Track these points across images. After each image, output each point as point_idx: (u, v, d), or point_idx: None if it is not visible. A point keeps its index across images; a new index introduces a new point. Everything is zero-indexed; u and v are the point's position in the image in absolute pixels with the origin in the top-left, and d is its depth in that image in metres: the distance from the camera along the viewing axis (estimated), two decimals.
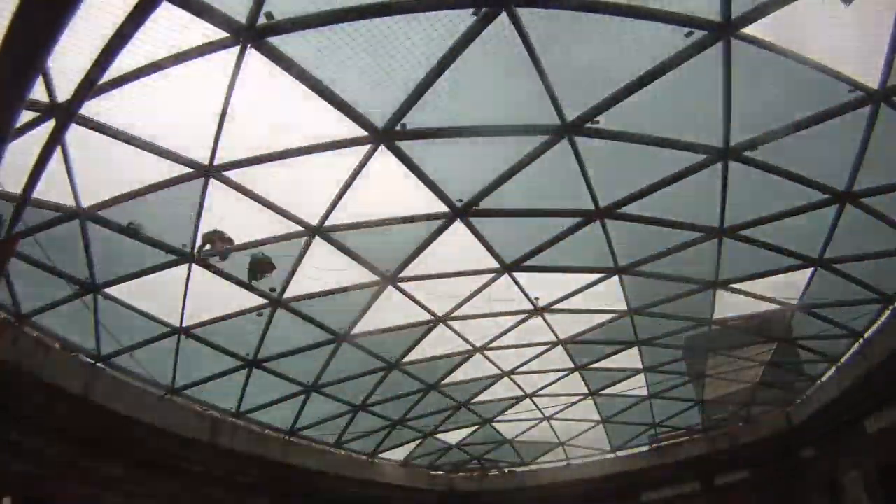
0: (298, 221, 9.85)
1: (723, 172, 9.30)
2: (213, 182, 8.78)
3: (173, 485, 13.44)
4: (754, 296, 12.79)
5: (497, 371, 16.02)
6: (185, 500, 13.77)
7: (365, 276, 11.40)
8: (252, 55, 6.93)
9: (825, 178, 9.43)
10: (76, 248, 9.73)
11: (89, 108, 7.28)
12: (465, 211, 9.92)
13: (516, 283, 12.25)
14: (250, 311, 12.00)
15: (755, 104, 8.28)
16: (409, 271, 11.42)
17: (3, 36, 3.89)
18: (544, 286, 12.63)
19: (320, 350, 13.64)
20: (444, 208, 9.87)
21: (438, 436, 19.78)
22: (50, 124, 7.14)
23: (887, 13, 7.07)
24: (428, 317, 13.16)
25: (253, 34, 6.67)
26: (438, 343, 14.22)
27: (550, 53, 7.36)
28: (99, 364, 12.46)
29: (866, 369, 13.65)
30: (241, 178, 8.93)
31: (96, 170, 8.49)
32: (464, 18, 6.85)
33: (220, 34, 6.64)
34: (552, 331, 14.27)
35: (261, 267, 10.49)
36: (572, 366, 16.04)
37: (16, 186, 7.80)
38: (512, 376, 16.37)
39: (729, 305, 13.40)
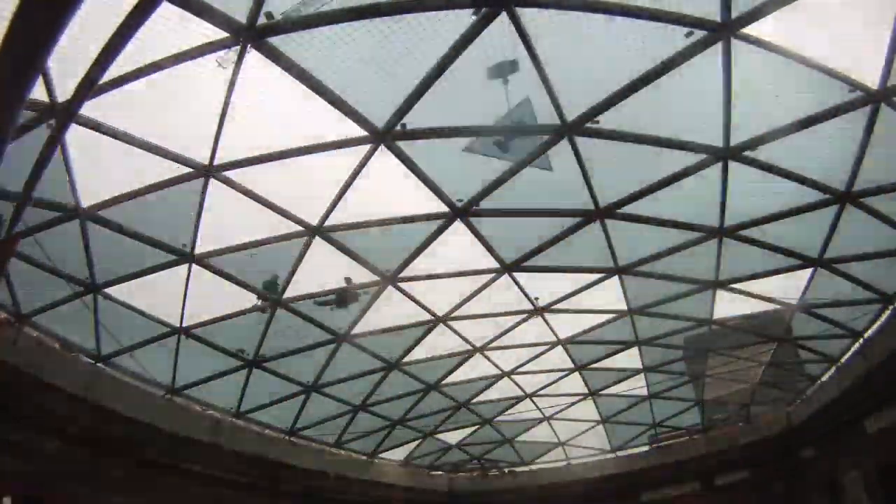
0: (298, 221, 9.85)
1: (723, 172, 9.31)
2: (213, 182, 8.79)
3: (173, 485, 13.43)
4: (754, 296, 12.79)
5: (497, 371, 16.03)
6: (185, 500, 13.76)
7: (365, 276, 11.40)
8: (252, 55, 6.93)
9: (825, 178, 9.43)
10: (76, 248, 9.73)
11: (89, 108, 7.27)
12: (465, 211, 9.92)
13: (516, 283, 12.25)
14: (250, 311, 12.01)
15: (755, 104, 8.28)
16: (409, 271, 11.42)
17: (3, 36, 3.89)
18: (544, 286, 12.63)
19: (320, 350, 13.64)
20: (444, 208, 9.87)
21: (438, 436, 19.79)
22: (50, 124, 7.14)
23: (887, 13, 7.07)
24: (428, 317, 13.16)
25: (253, 34, 6.68)
26: (438, 343, 14.22)
27: (550, 53, 7.36)
28: (99, 364, 12.47)
29: (866, 369, 13.64)
30: (241, 178, 8.93)
31: (96, 170, 8.49)
32: (464, 18, 6.85)
33: (220, 34, 6.65)
34: (552, 331, 14.27)
35: (349, 297, 11.52)
36: (572, 366, 16.04)
37: (16, 186, 7.80)
38: (512, 376, 16.37)
39: (729, 305, 13.40)
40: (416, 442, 19.87)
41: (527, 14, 6.90)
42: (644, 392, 17.66)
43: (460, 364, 15.40)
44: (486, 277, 11.96)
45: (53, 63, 6.42)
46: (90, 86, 6.53)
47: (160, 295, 11.31)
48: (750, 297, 12.79)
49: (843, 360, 15.18)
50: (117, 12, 5.79)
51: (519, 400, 17.83)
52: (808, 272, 11.95)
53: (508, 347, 14.92)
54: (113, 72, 6.54)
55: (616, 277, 12.22)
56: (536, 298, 13.00)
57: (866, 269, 11.59)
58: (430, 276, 11.72)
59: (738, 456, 18.73)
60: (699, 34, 7.15)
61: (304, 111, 7.85)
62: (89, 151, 8.12)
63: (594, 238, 10.77)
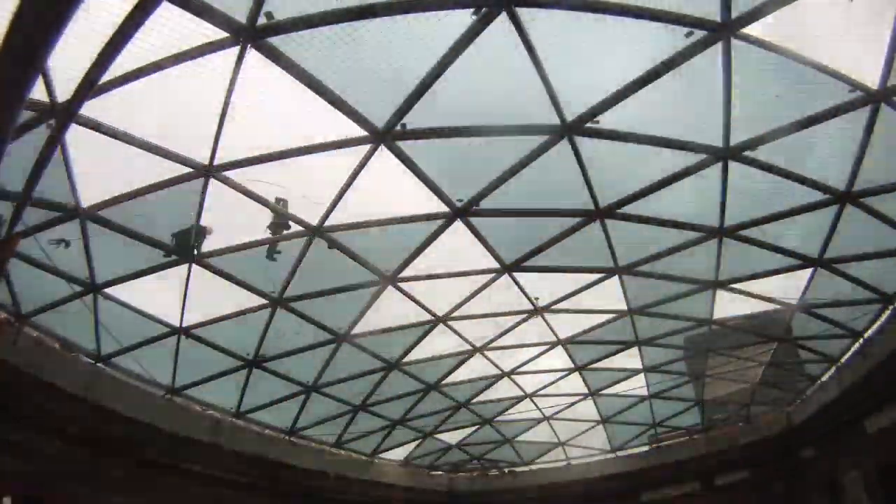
0: (298, 221, 9.85)
1: (723, 172, 9.31)
2: (213, 182, 8.78)
3: (173, 485, 13.44)
4: (754, 296, 12.79)
5: (497, 371, 16.03)
6: (185, 500, 13.77)
7: (365, 276, 11.40)
8: (252, 55, 6.93)
9: (825, 178, 9.43)
10: (76, 248, 9.73)
11: (89, 108, 7.27)
12: (465, 211, 9.92)
13: (516, 283, 12.25)
14: (250, 310, 12.01)
15: (755, 104, 8.29)
16: (409, 271, 11.42)
17: (3, 36, 3.89)
18: (544, 286, 12.63)
19: (320, 350, 13.64)
20: (444, 208, 9.87)
21: (438, 436, 19.78)
22: (50, 124, 7.14)
23: (887, 13, 7.07)
24: (428, 317, 13.16)
25: (253, 34, 6.68)
26: (438, 343, 14.22)
27: (550, 53, 7.36)
28: (99, 364, 12.47)
29: (866, 369, 13.64)
30: (241, 178, 8.93)
31: (96, 170, 8.49)
32: (464, 18, 6.85)
33: (220, 34, 6.64)
34: (552, 331, 14.27)
35: (196, 237, 9.83)
36: (572, 366, 16.04)
37: (16, 186, 7.80)
38: (512, 376, 16.37)
39: (729, 305, 13.40)
40: (416, 442, 19.86)
41: (526, 14, 6.90)
42: (644, 392, 17.65)
43: (460, 364, 15.39)
44: (486, 277, 11.96)
45: (53, 63, 6.41)
46: (90, 86, 6.53)
47: (160, 295, 11.31)
48: (750, 297, 12.79)
49: (843, 360, 15.17)
50: (117, 12, 5.79)
51: (519, 400, 17.82)
52: (808, 272, 11.94)
53: (508, 347, 14.92)
54: (113, 72, 6.54)
55: (616, 277, 12.21)
56: (536, 298, 13.00)
57: (866, 269, 11.59)
58: (430, 276, 11.72)
59: (738, 456, 18.72)
60: (699, 34, 7.15)
61: (304, 111, 7.85)
62: (89, 151, 8.11)
63: (594, 238, 10.77)
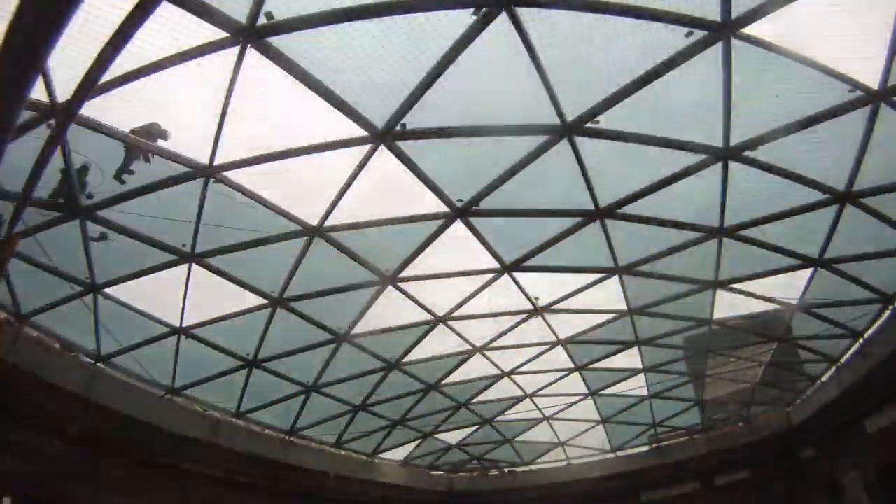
0: (298, 221, 9.85)
1: (723, 172, 9.30)
2: (213, 182, 8.78)
3: (173, 485, 13.44)
4: (754, 296, 12.79)
5: (497, 371, 16.03)
6: (185, 500, 13.77)
7: (365, 275, 11.40)
8: (252, 55, 6.93)
9: (825, 178, 9.43)
10: (76, 248, 9.73)
11: (89, 108, 7.28)
12: (465, 211, 9.92)
13: (516, 283, 12.25)
14: (250, 310, 12.01)
15: (755, 104, 8.28)
16: (409, 271, 11.42)
17: (3, 36, 3.89)
18: (544, 286, 12.63)
19: (320, 350, 13.64)
20: (444, 208, 9.87)
21: (438, 436, 19.79)
22: (50, 124, 7.14)
23: (887, 13, 7.07)
24: (428, 317, 13.16)
25: (253, 34, 6.67)
26: (438, 343, 14.22)
27: (550, 53, 7.36)
28: (99, 364, 12.47)
29: (866, 369, 13.64)
30: (241, 178, 8.92)
31: (96, 170, 8.48)
32: (464, 18, 6.85)
33: (220, 34, 6.64)
34: (552, 331, 14.27)
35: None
36: (572, 366, 16.04)
37: (16, 186, 7.80)
38: (512, 376, 16.37)
39: (729, 305, 13.40)
40: (416, 442, 19.87)
41: (526, 14, 6.90)
42: (644, 392, 17.66)
43: (460, 364, 15.40)
44: (486, 277, 11.96)
45: (53, 63, 6.42)
46: (90, 86, 6.53)
47: (160, 295, 11.31)
48: (750, 297, 12.79)
49: (843, 360, 15.18)
50: (117, 12, 5.79)
51: (519, 400, 17.84)
52: (808, 272, 11.95)
53: (508, 347, 14.92)
54: (113, 72, 6.54)
55: (616, 277, 12.22)
56: (536, 298, 13.00)
57: (866, 269, 11.58)
58: (430, 276, 11.72)
59: (738, 456, 18.74)
60: (699, 34, 7.15)
61: (304, 111, 7.85)
62: (89, 151, 8.11)
63: (594, 238, 10.76)
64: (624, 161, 9.35)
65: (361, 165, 8.75)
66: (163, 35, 6.43)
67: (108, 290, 10.93)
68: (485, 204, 9.84)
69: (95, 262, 10.20)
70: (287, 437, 16.92)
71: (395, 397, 16.31)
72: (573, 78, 7.87)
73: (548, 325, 13.99)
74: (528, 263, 11.56)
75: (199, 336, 12.43)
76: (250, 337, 12.85)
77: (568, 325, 14.26)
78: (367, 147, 8.46)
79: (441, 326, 13.50)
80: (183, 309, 11.57)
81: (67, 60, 6.25)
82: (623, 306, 13.31)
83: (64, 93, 6.80)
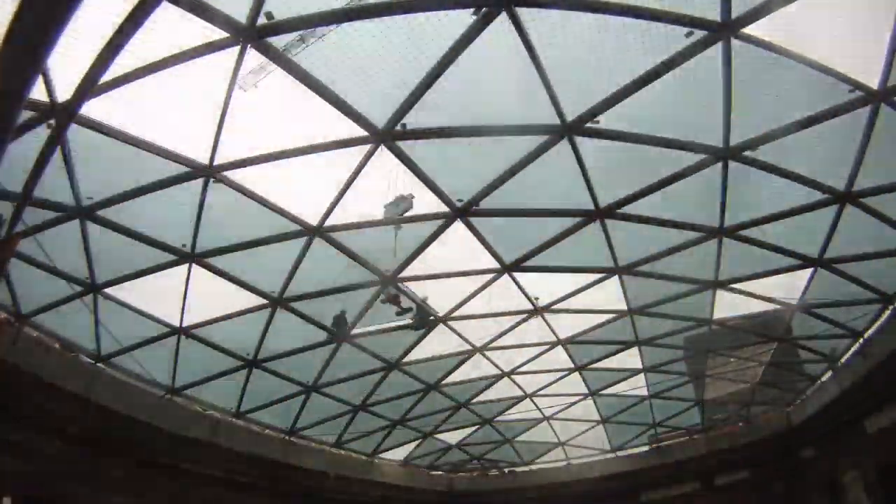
0: (298, 221, 9.85)
1: (723, 172, 9.30)
2: (213, 182, 8.78)
3: (173, 485, 13.44)
4: (754, 296, 12.79)
5: (497, 371, 16.03)
6: (185, 500, 13.77)
7: (365, 276, 11.40)
8: (252, 55, 6.93)
9: (825, 178, 9.43)
10: (76, 248, 9.73)
11: (89, 108, 7.28)
12: (465, 211, 9.92)
13: (516, 283, 12.25)
14: (250, 310, 12.00)
15: (755, 104, 8.28)
16: (409, 271, 11.42)
17: (3, 36, 3.89)
18: (544, 286, 12.63)
19: (320, 350, 13.64)
20: (444, 208, 9.87)
21: (438, 436, 19.79)
22: (50, 124, 7.14)
23: (887, 13, 7.07)
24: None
25: (253, 34, 6.67)
26: (438, 343, 14.22)
27: (550, 53, 7.36)
28: (99, 364, 12.47)
29: (866, 369, 13.64)
30: (241, 178, 8.93)
31: (96, 170, 8.49)
32: (464, 18, 6.85)
33: (220, 34, 6.64)
34: (552, 331, 14.27)
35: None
36: (572, 366, 16.04)
37: (16, 186, 7.80)
38: (512, 376, 16.37)
39: (729, 305, 13.40)
40: (416, 442, 19.87)
41: (526, 14, 6.90)
42: (644, 392, 17.66)
43: (460, 364, 15.40)
44: (486, 277, 11.96)
45: (53, 63, 6.42)
46: (90, 86, 6.53)
47: (160, 295, 11.31)
48: (750, 297, 12.79)
49: (843, 360, 15.17)
50: (117, 12, 5.79)
51: (519, 400, 17.83)
52: (808, 272, 11.95)
53: (508, 347, 14.92)
54: (113, 72, 6.54)
55: (616, 277, 12.22)
56: (536, 298, 13.00)
57: (866, 269, 11.58)
58: (430, 276, 11.72)
59: (738, 456, 18.74)
60: (699, 34, 7.15)
61: (304, 111, 7.85)
62: (89, 151, 8.12)
63: (594, 238, 10.77)
64: (624, 161, 9.36)
65: (361, 165, 8.75)
66: (163, 35, 6.43)
67: (108, 290, 10.93)
68: (485, 204, 9.84)
69: (95, 262, 10.20)
70: (287, 437, 16.92)
71: (395, 397, 16.31)
72: (573, 78, 7.87)
73: (548, 325, 13.99)
74: (528, 263, 11.56)
75: (199, 336, 12.43)
76: (250, 337, 12.85)
77: (568, 325, 14.26)
78: (367, 147, 8.46)
79: (441, 326, 13.50)
80: (183, 309, 11.57)
81: (67, 60, 6.25)
82: (623, 306, 13.31)
83: (64, 93, 6.80)
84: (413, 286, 12.04)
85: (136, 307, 11.57)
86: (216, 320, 12.14)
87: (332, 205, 9.53)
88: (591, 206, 10.04)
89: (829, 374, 16.02)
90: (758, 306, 13.47)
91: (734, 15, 6.89)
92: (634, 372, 16.56)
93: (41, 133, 7.23)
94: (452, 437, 20.30)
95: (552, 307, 13.31)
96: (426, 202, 9.71)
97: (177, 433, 13.45)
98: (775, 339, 15.36)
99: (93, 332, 11.75)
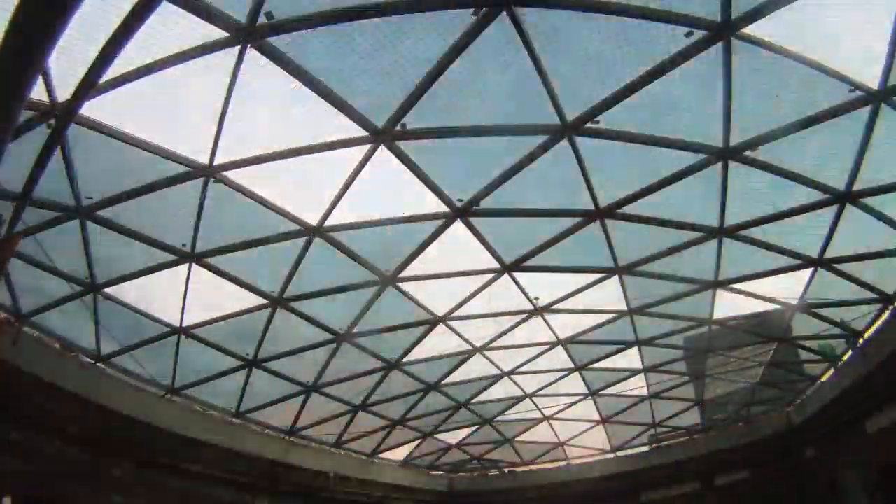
0: (298, 221, 9.85)
1: (723, 172, 9.30)
2: (213, 182, 8.78)
3: (173, 485, 13.44)
4: (754, 296, 12.79)
5: (497, 371, 16.02)
6: (185, 500, 13.77)
7: (365, 275, 11.40)
8: (252, 55, 6.93)
9: (825, 178, 9.43)
10: (76, 248, 9.73)
11: (89, 108, 7.28)
12: (465, 211, 9.92)
13: (516, 283, 12.24)
14: (250, 310, 12.00)
15: (755, 104, 8.28)
16: (409, 271, 11.42)
17: (3, 36, 3.89)
18: (544, 286, 12.63)
19: (320, 350, 13.64)
20: (444, 208, 9.87)
21: (438, 436, 19.79)
22: (50, 124, 7.14)
23: (887, 13, 7.07)
24: (428, 317, 13.16)
25: (253, 34, 6.67)
26: (438, 343, 14.22)
27: (550, 53, 7.36)
28: (99, 364, 12.47)
29: (866, 369, 13.63)
30: (241, 178, 8.93)
31: (96, 170, 8.49)
32: (464, 18, 6.85)
33: (220, 34, 6.64)
34: (552, 331, 14.27)
35: None
36: (572, 366, 16.03)
37: (16, 186, 7.80)
38: (512, 376, 16.37)
39: (729, 305, 13.40)
40: (416, 442, 19.87)
41: (527, 14, 6.90)
42: (644, 392, 17.66)
43: (460, 364, 15.39)
44: (486, 277, 11.95)
45: (53, 63, 6.42)
46: (90, 86, 6.53)
47: (160, 295, 11.31)
48: (750, 297, 12.79)
49: (843, 360, 15.17)
50: (117, 12, 5.79)
51: (519, 400, 17.83)
52: (808, 272, 11.94)
53: (508, 347, 14.92)
54: (113, 72, 6.54)
55: (616, 277, 12.21)
56: (536, 298, 12.99)
57: (866, 269, 11.58)
58: (430, 276, 11.72)
59: (738, 456, 18.73)
60: (699, 34, 7.14)
61: (304, 111, 7.85)
62: (89, 151, 8.12)
63: (594, 238, 10.76)
64: (624, 161, 9.36)
65: (361, 165, 8.75)
66: (163, 35, 6.42)
67: (108, 290, 10.93)
68: (485, 204, 9.83)
69: (95, 262, 10.20)
70: (287, 437, 16.92)
71: (395, 397, 16.31)
72: (573, 78, 7.87)
73: (548, 325, 13.99)
74: (528, 263, 11.56)
75: (199, 336, 12.43)
76: (250, 337, 12.85)
77: (568, 325, 14.26)
78: (367, 147, 8.46)
79: (441, 326, 13.50)
80: (183, 309, 11.57)
81: (67, 60, 6.25)
82: (623, 306, 13.30)
83: (64, 93, 6.80)
84: (413, 286, 12.06)
85: (136, 307, 11.57)
86: (216, 320, 12.14)
87: (332, 205, 9.52)
88: (591, 206, 10.03)
89: (829, 374, 16.02)
90: (758, 306, 13.48)
91: (734, 15, 6.88)
92: (634, 372, 16.56)
93: (41, 133, 7.23)
94: (452, 437, 20.30)
95: (552, 307, 13.31)
96: (426, 202, 9.72)
97: (177, 433, 13.45)
98: (775, 339, 15.36)
99: (93, 332, 11.75)
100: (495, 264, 11.54)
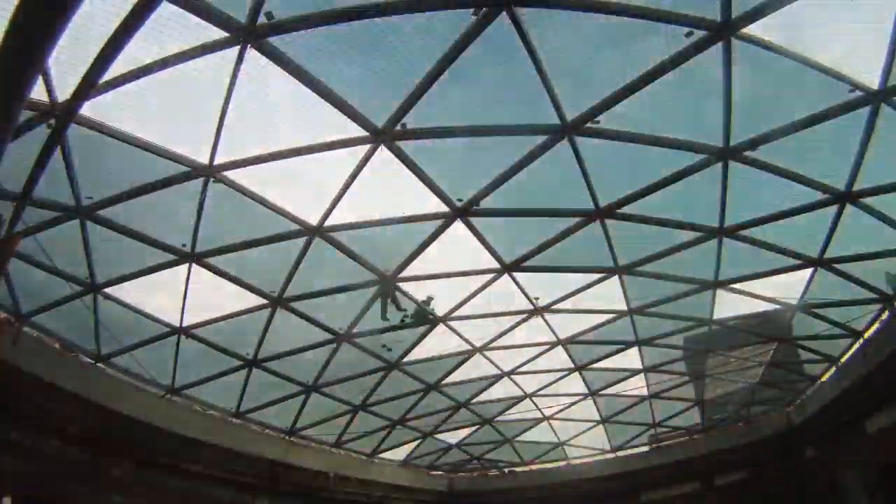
0: (298, 221, 9.85)
1: (723, 172, 9.30)
2: (213, 182, 8.78)
3: (173, 485, 13.45)
4: (754, 296, 12.79)
5: (497, 371, 16.02)
6: (185, 500, 13.77)
7: (365, 275, 11.40)
8: (252, 55, 6.93)
9: (825, 178, 9.43)
10: (76, 248, 9.73)
11: (89, 108, 7.28)
12: (465, 211, 9.92)
13: (516, 283, 12.24)
14: (250, 310, 12.00)
15: (755, 104, 8.29)
16: (409, 271, 11.42)
17: (3, 36, 3.89)
18: (544, 286, 12.63)
19: (320, 350, 13.64)
20: (444, 208, 9.87)
21: (438, 436, 19.78)
22: (50, 124, 7.14)
23: (887, 13, 7.07)
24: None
25: (253, 34, 6.67)
26: (438, 343, 14.22)
27: (551, 53, 7.36)
28: (99, 364, 12.47)
29: (866, 369, 13.63)
30: (241, 178, 8.93)
31: (96, 170, 8.49)
32: (464, 18, 6.85)
33: (220, 34, 6.64)
34: (552, 331, 14.27)
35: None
36: (572, 366, 16.03)
37: (16, 186, 7.80)
38: (512, 376, 16.37)
39: (729, 305, 13.40)
40: (416, 442, 19.87)
41: (527, 14, 6.90)
42: (644, 392, 17.66)
43: (460, 364, 15.39)
44: (486, 277, 11.95)
45: (53, 63, 6.42)
46: (90, 86, 6.53)
47: (160, 295, 11.31)
48: (750, 297, 12.79)
49: (843, 360, 15.17)
50: (117, 12, 5.79)
51: (519, 400, 17.83)
52: (808, 272, 11.95)
53: (508, 347, 14.92)
54: (113, 72, 6.54)
55: (616, 277, 12.21)
56: (536, 298, 12.99)
57: (866, 269, 11.58)
58: (430, 276, 11.72)
59: (738, 456, 18.73)
60: (699, 34, 7.14)
61: (304, 111, 7.85)
62: (89, 151, 8.12)
63: (594, 238, 10.77)
64: (624, 161, 9.36)
65: (361, 165, 8.75)
66: (163, 34, 6.43)
67: (108, 290, 10.93)
68: (485, 204, 9.83)
69: (95, 262, 10.20)
70: (287, 437, 16.92)
71: (395, 397, 16.31)
72: (573, 78, 7.87)
73: (548, 325, 13.99)
74: (528, 263, 11.56)
75: (199, 336, 12.42)
76: (250, 337, 12.85)
77: (568, 325, 14.27)
78: (367, 147, 8.46)
79: (441, 327, 13.50)
80: (183, 309, 11.57)
81: (67, 60, 6.25)
82: (623, 306, 13.30)
83: (64, 93, 6.80)
84: (413, 286, 12.06)
85: (136, 307, 11.57)
86: (216, 320, 12.14)
87: (332, 205, 9.52)
88: (591, 206, 10.03)
89: (829, 374, 16.02)
90: (758, 306, 13.48)
91: (734, 15, 6.89)
92: (634, 372, 16.56)
93: (41, 133, 7.23)
94: (452, 437, 20.30)
95: (552, 307, 13.31)
96: (426, 202, 9.72)
97: (177, 433, 13.45)
98: (775, 339, 15.36)
99: (93, 332, 11.75)
100: (495, 264, 11.54)
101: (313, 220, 9.87)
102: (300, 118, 8.08)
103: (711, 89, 7.95)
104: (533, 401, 17.87)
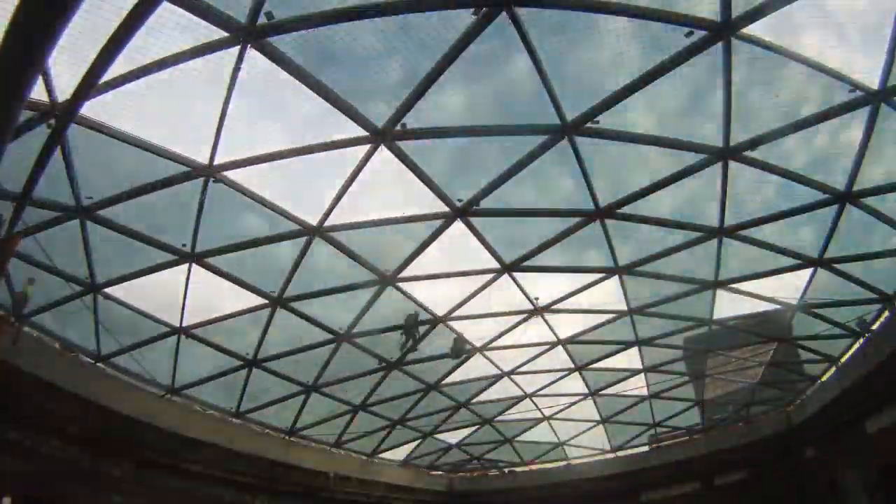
0: (298, 221, 9.85)
1: (723, 172, 9.30)
2: (213, 182, 8.78)
3: (173, 485, 13.43)
4: (754, 296, 12.79)
5: (497, 371, 16.02)
6: (185, 500, 13.76)
7: (365, 275, 11.40)
8: (252, 55, 6.93)
9: (825, 178, 9.43)
10: (76, 248, 9.73)
11: (89, 108, 7.27)
12: (465, 211, 9.92)
13: (516, 283, 12.24)
14: (250, 310, 12.00)
15: (755, 104, 8.29)
16: (409, 271, 11.42)
17: (3, 36, 3.89)
18: (544, 286, 12.63)
19: (320, 350, 13.64)
20: (444, 208, 9.87)
21: (438, 436, 19.78)
22: (50, 124, 7.14)
23: (887, 13, 7.07)
24: (428, 317, 13.15)
25: (253, 34, 6.67)
26: (439, 343, 14.22)
27: (550, 53, 7.37)
28: (99, 364, 12.47)
29: (866, 369, 13.63)
30: (241, 178, 8.93)
31: (96, 170, 8.49)
32: (464, 18, 6.85)
33: (220, 34, 6.64)
34: (552, 331, 14.27)
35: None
36: (572, 366, 16.03)
37: (16, 186, 7.80)
38: (512, 376, 16.37)
39: (729, 305, 13.41)
40: (416, 442, 19.87)
41: (527, 14, 6.90)
42: (644, 392, 17.65)
43: (460, 364, 15.38)
44: (486, 277, 11.95)
45: (53, 63, 6.42)
46: (90, 86, 6.53)
47: (160, 295, 11.31)
48: (750, 297, 12.79)
49: (843, 360, 15.17)
50: (117, 12, 5.79)
51: (519, 400, 17.82)
52: (808, 272, 11.94)
53: (508, 347, 14.92)
54: (113, 72, 6.54)
55: (616, 277, 12.21)
56: (536, 298, 13.00)
57: (866, 269, 11.59)
58: (430, 276, 11.72)
59: (738, 456, 18.71)
60: (699, 34, 7.14)
61: (304, 111, 7.86)
62: (89, 151, 8.12)
63: (594, 238, 10.77)
64: (624, 161, 9.37)
65: (361, 165, 8.75)
66: (163, 34, 6.43)
67: (108, 290, 10.93)
68: (485, 204, 9.84)
69: (95, 262, 10.20)
70: (287, 437, 16.92)
71: (395, 397, 16.31)
72: (573, 78, 7.88)
73: (548, 325, 13.99)
74: (528, 263, 11.56)
75: (199, 336, 12.42)
76: (250, 337, 12.85)
77: (568, 325, 14.27)
78: (367, 147, 8.46)
79: (441, 326, 13.50)
80: (183, 309, 11.57)
81: (67, 60, 6.25)
82: (623, 306, 13.30)
83: (64, 93, 6.80)
84: (413, 286, 12.05)
85: (136, 307, 11.57)
86: (216, 320, 12.14)
87: (332, 205, 9.52)
88: (591, 206, 10.03)
89: (829, 374, 16.02)
90: (758, 306, 13.47)
91: (734, 15, 6.89)
92: (634, 372, 16.56)
93: (41, 133, 7.23)
94: (452, 437, 20.30)
95: (552, 307, 13.31)
96: (426, 202, 9.72)
97: (177, 433, 13.45)
98: (775, 339, 15.35)
99: (93, 332, 11.75)
100: (495, 264, 11.54)
101: (313, 220, 9.87)
102: (300, 118, 8.09)
103: (711, 89, 7.95)
104: (533, 401, 17.87)
